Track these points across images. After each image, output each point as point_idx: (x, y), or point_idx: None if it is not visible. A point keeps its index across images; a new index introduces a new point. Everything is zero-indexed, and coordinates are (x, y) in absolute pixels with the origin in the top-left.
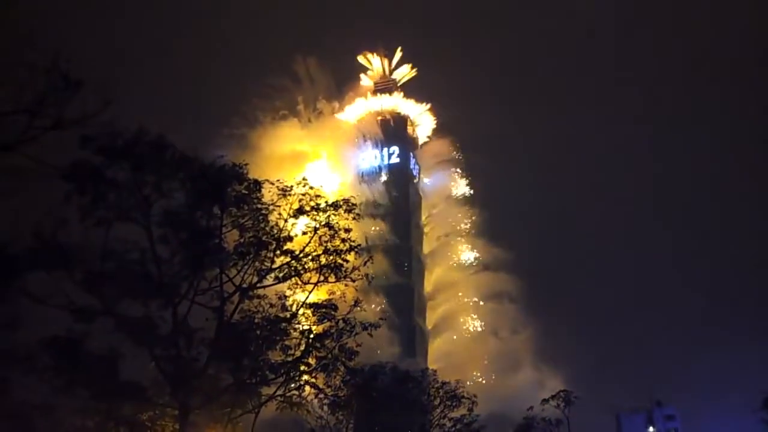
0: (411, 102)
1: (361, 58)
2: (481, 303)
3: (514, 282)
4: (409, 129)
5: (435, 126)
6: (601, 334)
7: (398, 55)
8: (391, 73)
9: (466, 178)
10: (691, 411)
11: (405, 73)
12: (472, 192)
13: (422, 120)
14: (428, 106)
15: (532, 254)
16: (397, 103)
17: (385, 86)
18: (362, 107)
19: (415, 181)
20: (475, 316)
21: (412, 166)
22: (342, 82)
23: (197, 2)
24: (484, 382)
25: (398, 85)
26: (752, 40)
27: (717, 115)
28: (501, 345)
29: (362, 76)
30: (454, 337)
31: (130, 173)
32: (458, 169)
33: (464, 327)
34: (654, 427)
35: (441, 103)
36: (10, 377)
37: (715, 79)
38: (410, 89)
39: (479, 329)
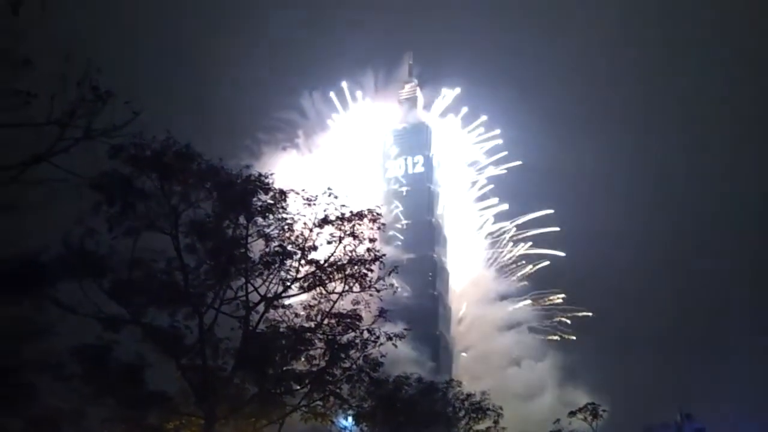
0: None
1: None
2: (504, 329)
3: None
4: (434, 140)
5: (462, 137)
6: (629, 346)
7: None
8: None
9: (489, 195)
10: (721, 425)
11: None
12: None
13: (448, 131)
14: (455, 117)
15: (554, 270)
16: (421, 112)
17: (408, 96)
18: (384, 118)
19: (438, 189)
20: (498, 339)
21: (435, 178)
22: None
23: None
24: (509, 398)
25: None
26: None
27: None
28: (527, 367)
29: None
30: (479, 353)
31: (158, 183)
32: (482, 183)
33: (489, 347)
34: None
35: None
36: (41, 384)
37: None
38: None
39: (504, 352)
